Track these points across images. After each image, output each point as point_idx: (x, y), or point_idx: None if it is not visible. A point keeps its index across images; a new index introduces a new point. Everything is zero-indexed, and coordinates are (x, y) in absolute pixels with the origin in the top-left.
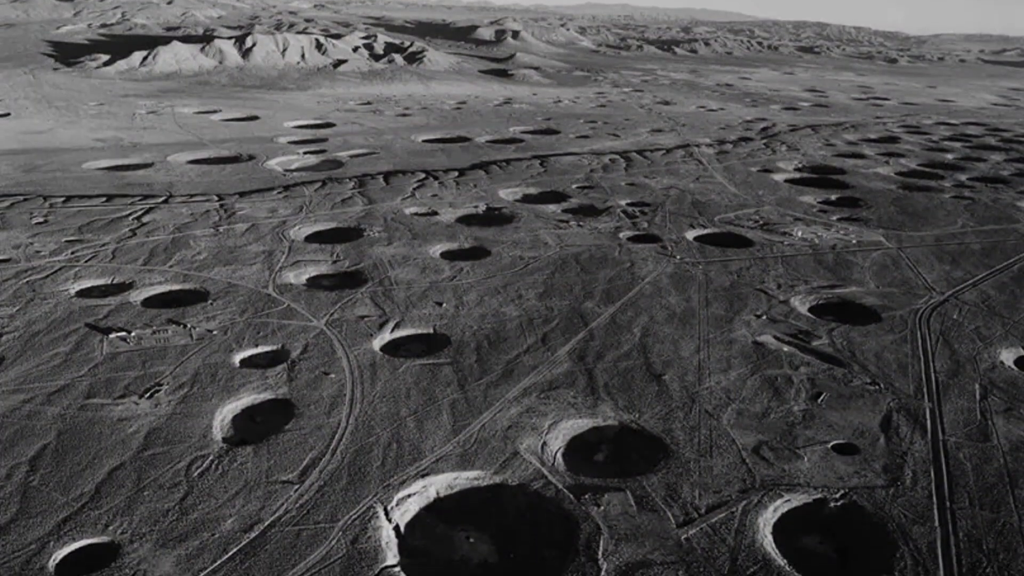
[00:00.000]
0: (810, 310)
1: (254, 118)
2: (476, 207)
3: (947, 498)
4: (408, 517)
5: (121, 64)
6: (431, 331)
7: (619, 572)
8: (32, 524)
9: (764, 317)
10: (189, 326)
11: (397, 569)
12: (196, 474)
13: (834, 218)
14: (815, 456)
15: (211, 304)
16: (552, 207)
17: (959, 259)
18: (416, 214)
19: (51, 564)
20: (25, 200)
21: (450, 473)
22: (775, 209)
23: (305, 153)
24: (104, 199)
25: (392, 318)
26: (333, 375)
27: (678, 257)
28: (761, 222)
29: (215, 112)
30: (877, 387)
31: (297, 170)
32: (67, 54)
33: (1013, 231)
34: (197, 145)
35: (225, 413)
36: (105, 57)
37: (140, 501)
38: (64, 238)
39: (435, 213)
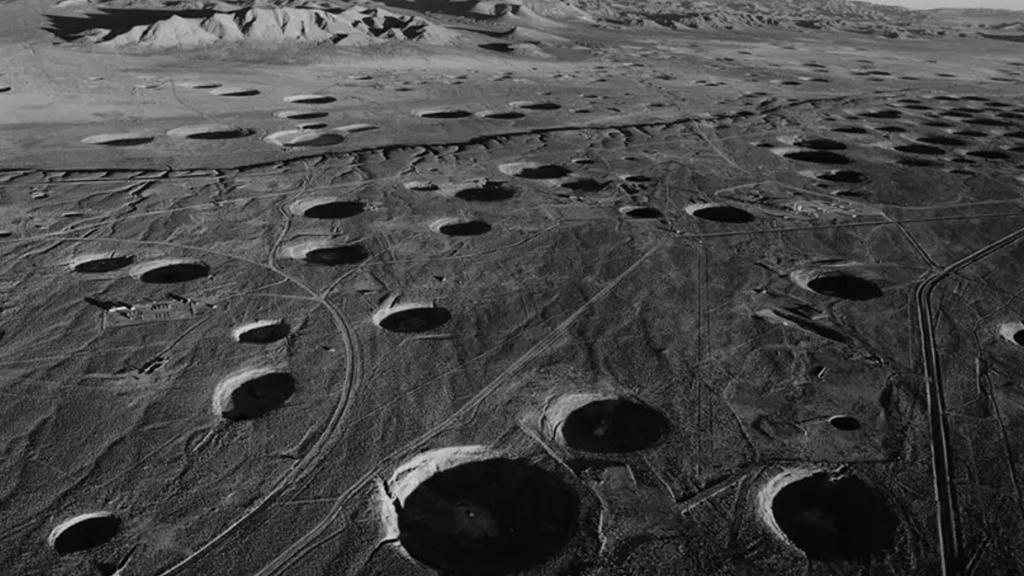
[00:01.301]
0: (810, 284)
1: (254, 92)
2: (476, 181)
3: (947, 472)
4: (408, 491)
5: (121, 39)
6: (431, 306)
7: (619, 546)
8: (32, 499)
9: (764, 291)
10: (189, 300)
11: (397, 543)
12: (196, 449)
13: (834, 192)
14: (815, 431)
15: (211, 278)
16: (552, 182)
17: (959, 233)
18: (416, 188)
19: (51, 539)
20: (25, 175)
21: (450, 448)
22: (775, 183)
23: (305, 127)
24: (104, 173)
25: (392, 293)
26: (333, 350)
27: (678, 231)
28: (761, 196)
29: (215, 86)
30: (877, 361)
31: (297, 144)
32: (67, 28)
33: (1013, 205)
34: (197, 119)
35: (225, 388)
36: (105, 31)
37: (140, 476)
38: (64, 212)
39: (435, 187)
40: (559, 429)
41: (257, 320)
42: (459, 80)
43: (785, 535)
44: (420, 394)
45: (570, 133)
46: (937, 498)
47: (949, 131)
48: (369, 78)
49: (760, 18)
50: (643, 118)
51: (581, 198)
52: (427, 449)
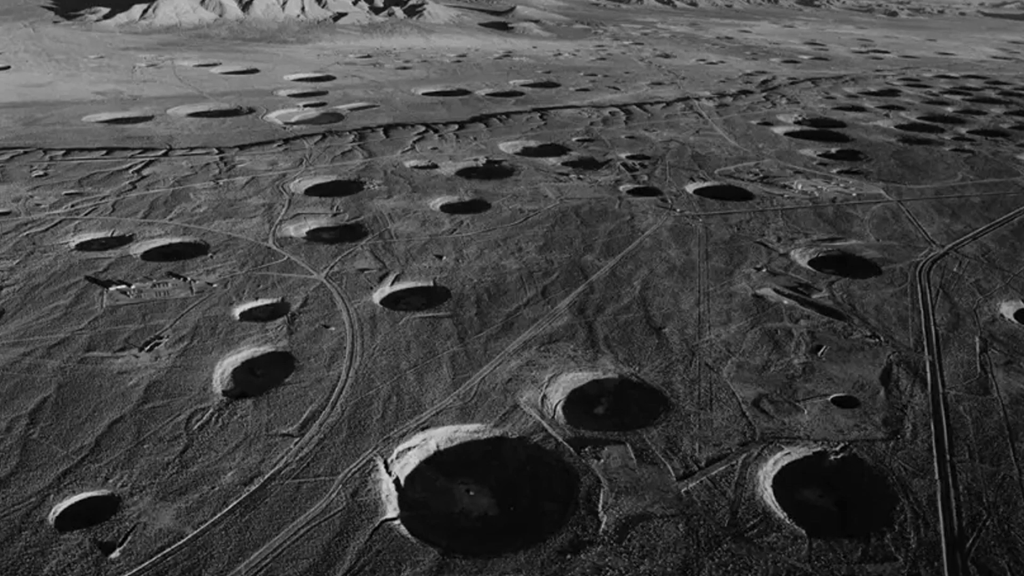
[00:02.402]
0: (810, 263)
1: (254, 71)
2: (476, 160)
3: (947, 451)
4: (408, 470)
5: (121, 17)
6: (431, 284)
7: (619, 525)
8: (32, 477)
9: (764, 270)
10: (189, 279)
11: (397, 522)
12: (196, 427)
13: (834, 171)
14: (815, 409)
15: (211, 257)
16: (552, 160)
17: (959, 212)
18: (416, 167)
19: (51, 517)
20: (25, 153)
21: (450, 426)
22: (775, 162)
23: (305, 106)
24: (104, 152)
25: (392, 271)
26: (333, 328)
27: (678, 210)
28: (761, 175)
29: (215, 65)
30: (877, 340)
31: (297, 123)
32: (67, 7)
33: (1013, 184)
34: (197, 98)
35: (225, 366)
36: (105, 10)
37: (140, 454)
38: (64, 191)
39: (435, 166)
40: (559, 408)
41: (257, 299)
42: (459, 59)
43: (785, 513)
44: (420, 372)
45: (570, 111)
46: (937, 477)
47: (949, 109)
48: (369, 56)
49: None
50: (643, 96)
51: (581, 176)
52: (427, 427)
